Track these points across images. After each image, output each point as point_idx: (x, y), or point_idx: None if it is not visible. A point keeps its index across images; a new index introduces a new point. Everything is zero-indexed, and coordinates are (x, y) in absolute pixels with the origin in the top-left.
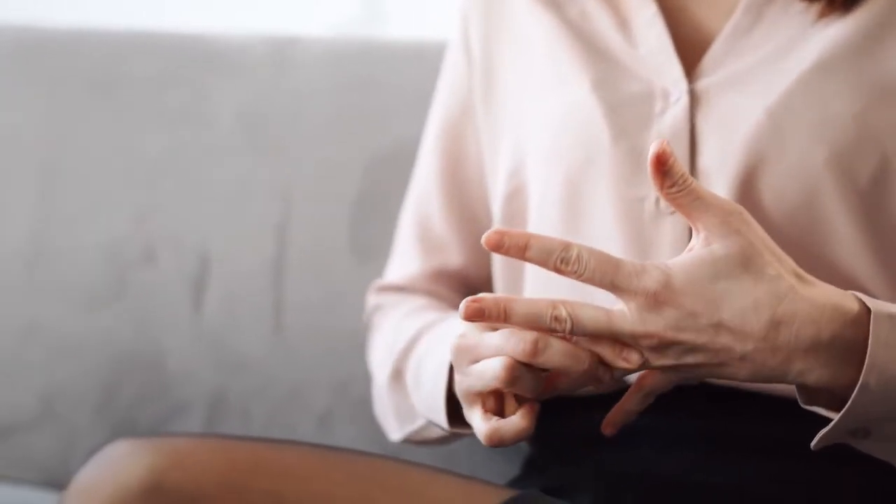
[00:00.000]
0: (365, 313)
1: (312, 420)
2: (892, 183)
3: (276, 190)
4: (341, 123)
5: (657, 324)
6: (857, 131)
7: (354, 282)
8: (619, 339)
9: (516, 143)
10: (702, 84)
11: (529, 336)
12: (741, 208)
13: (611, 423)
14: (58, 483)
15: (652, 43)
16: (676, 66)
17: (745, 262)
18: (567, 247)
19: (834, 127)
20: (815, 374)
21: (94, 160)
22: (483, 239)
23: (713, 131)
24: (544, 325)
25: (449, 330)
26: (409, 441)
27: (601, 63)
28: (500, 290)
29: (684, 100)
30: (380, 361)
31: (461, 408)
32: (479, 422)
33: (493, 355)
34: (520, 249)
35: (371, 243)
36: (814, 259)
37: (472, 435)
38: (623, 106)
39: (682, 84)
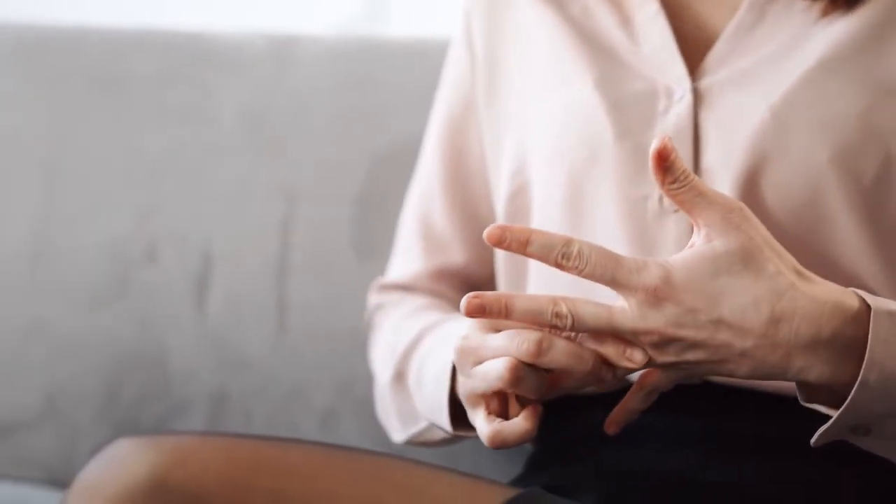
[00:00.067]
0: (366, 312)
1: (315, 419)
2: None
3: (279, 189)
4: (343, 122)
5: (657, 320)
6: (860, 130)
7: (357, 280)
8: (621, 337)
9: (519, 143)
10: (705, 82)
11: (533, 336)
12: (742, 205)
13: (614, 422)
14: (60, 482)
15: (655, 41)
16: (680, 64)
17: (746, 259)
18: (568, 242)
19: (837, 125)
20: (816, 370)
21: (95, 159)
22: (485, 234)
23: (717, 129)
24: (545, 321)
25: (451, 331)
26: (412, 443)
27: (604, 61)
28: (503, 289)
29: (688, 98)
30: (381, 362)
31: (464, 410)
32: (482, 423)
33: (497, 356)
34: (521, 245)
35: (374, 242)
36: (816, 257)
37: (475, 437)
38: (626, 104)
39: (685, 82)
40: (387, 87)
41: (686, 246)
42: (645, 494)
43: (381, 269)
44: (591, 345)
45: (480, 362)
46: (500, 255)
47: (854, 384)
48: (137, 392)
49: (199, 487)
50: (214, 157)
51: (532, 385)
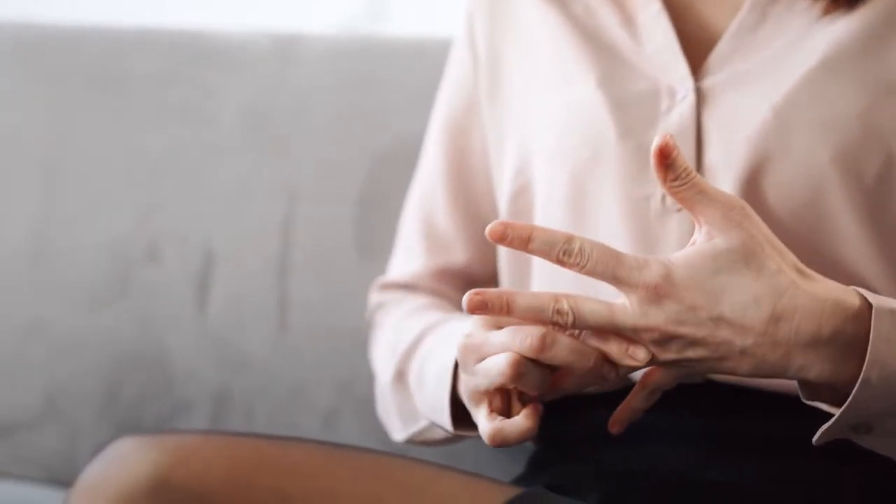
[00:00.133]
0: (367, 311)
1: (316, 418)
2: None
3: (280, 188)
4: (345, 120)
5: (658, 317)
6: (862, 130)
7: (358, 280)
8: (623, 334)
9: (521, 142)
10: (708, 82)
11: (537, 331)
12: (743, 203)
13: (617, 420)
14: (61, 480)
15: (658, 41)
16: (682, 63)
17: (747, 257)
18: (570, 239)
19: (839, 125)
20: (816, 369)
21: (96, 158)
22: (487, 230)
23: (719, 129)
24: (546, 317)
25: (453, 331)
26: (412, 442)
27: (607, 60)
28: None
29: (690, 98)
30: (382, 361)
31: (464, 410)
32: (484, 421)
33: (500, 352)
34: (523, 241)
35: (375, 241)
36: (818, 256)
37: (476, 437)
38: (629, 104)
39: (688, 82)
40: (388, 86)
41: (688, 244)
42: (645, 494)
43: (383, 269)
44: (594, 343)
45: (483, 359)
46: (503, 255)
47: (855, 382)
48: (138, 392)
49: (201, 486)
50: (215, 156)
51: (534, 381)
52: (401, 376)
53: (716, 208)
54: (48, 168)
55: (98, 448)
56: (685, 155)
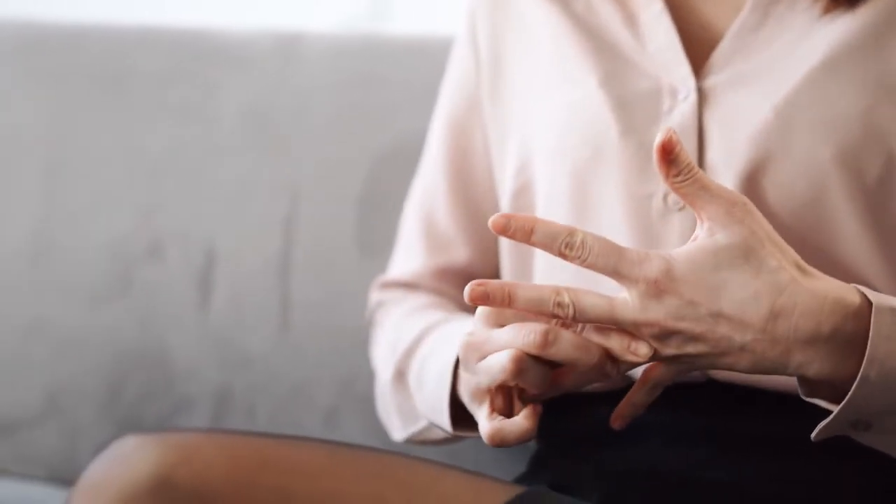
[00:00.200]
0: (368, 310)
1: (318, 417)
2: None
3: (282, 186)
4: (346, 119)
5: (658, 312)
6: (863, 129)
7: (360, 278)
8: (624, 330)
9: (523, 141)
10: (709, 82)
11: (539, 328)
12: (745, 199)
13: (620, 416)
14: (62, 479)
15: (660, 40)
16: (684, 63)
17: (747, 253)
18: (572, 232)
19: (840, 125)
20: (815, 366)
21: (97, 157)
22: (490, 222)
23: (720, 129)
24: (547, 310)
25: (453, 331)
26: (412, 441)
27: (609, 59)
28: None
29: (692, 97)
30: (382, 360)
31: (464, 410)
32: (484, 421)
33: (503, 349)
34: (525, 233)
35: (376, 240)
36: (819, 255)
37: (475, 437)
38: (631, 102)
39: (689, 81)
40: (390, 85)
41: (689, 240)
42: (646, 494)
43: (384, 267)
44: (596, 339)
45: (485, 357)
46: (505, 249)
47: (854, 380)
48: (139, 390)
49: (203, 485)
50: (217, 154)
51: (535, 378)
52: (400, 376)
53: (718, 204)
54: (49, 166)
55: (100, 447)
56: None
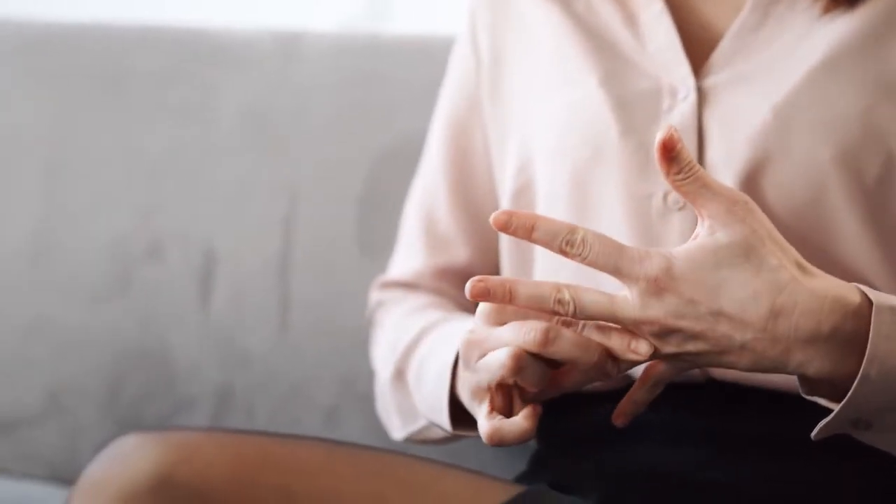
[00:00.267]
0: (368, 309)
1: (318, 416)
2: None
3: (281, 186)
4: (347, 119)
5: (658, 310)
6: (862, 129)
7: (359, 278)
8: (625, 328)
9: (523, 141)
10: (709, 82)
11: (540, 325)
12: (747, 198)
13: (622, 413)
14: (63, 478)
15: (660, 40)
16: (684, 63)
17: (748, 252)
18: (573, 230)
19: (840, 125)
20: (815, 365)
21: (97, 156)
22: (491, 218)
23: (720, 129)
24: (547, 307)
25: (452, 331)
26: (411, 440)
27: (609, 59)
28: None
29: (692, 97)
30: (382, 359)
31: (463, 410)
32: (483, 420)
33: (504, 347)
34: (526, 230)
35: (376, 239)
36: (818, 255)
37: (474, 437)
38: (631, 102)
39: (689, 81)
40: (390, 84)
41: (690, 239)
42: (645, 495)
43: (384, 267)
44: (597, 337)
45: (486, 355)
46: (505, 252)
47: (855, 378)
48: (140, 389)
49: (204, 483)
50: (217, 154)
51: (534, 376)
52: (400, 375)
53: (719, 202)
54: (49, 166)
55: (100, 445)
56: None
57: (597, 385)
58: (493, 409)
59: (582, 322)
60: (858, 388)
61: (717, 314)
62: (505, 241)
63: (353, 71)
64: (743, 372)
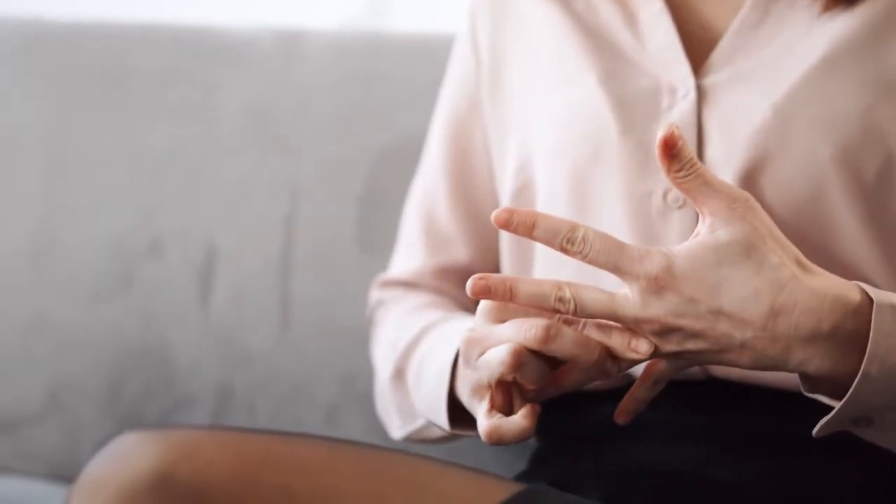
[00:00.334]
0: (368, 308)
1: (318, 414)
2: None
3: (282, 185)
4: (347, 117)
5: (658, 309)
6: (862, 128)
7: (360, 277)
8: (625, 326)
9: (523, 140)
10: (709, 80)
11: (541, 322)
12: (748, 195)
13: (623, 411)
14: (63, 476)
15: (660, 39)
16: (684, 62)
17: (748, 250)
18: (574, 227)
19: (839, 124)
20: (816, 363)
21: (98, 154)
22: (492, 216)
23: (720, 127)
24: (548, 304)
25: (452, 330)
26: (411, 439)
27: (608, 58)
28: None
29: (692, 96)
30: (382, 358)
31: (462, 409)
32: (482, 418)
33: (504, 344)
34: (527, 228)
35: (377, 238)
36: (818, 253)
37: (473, 436)
38: (630, 101)
39: (689, 80)
40: (391, 82)
41: (690, 237)
42: (646, 493)
43: (384, 266)
44: (597, 336)
45: (486, 352)
46: (505, 245)
47: (855, 376)
48: (141, 387)
49: (204, 482)
50: (218, 152)
51: (534, 373)
52: (400, 374)
53: (720, 200)
54: (50, 164)
55: (100, 443)
56: None
57: (597, 384)
58: (492, 407)
59: (582, 320)
60: (859, 386)
61: (718, 313)
62: (505, 239)
63: (353, 69)
64: (744, 369)
